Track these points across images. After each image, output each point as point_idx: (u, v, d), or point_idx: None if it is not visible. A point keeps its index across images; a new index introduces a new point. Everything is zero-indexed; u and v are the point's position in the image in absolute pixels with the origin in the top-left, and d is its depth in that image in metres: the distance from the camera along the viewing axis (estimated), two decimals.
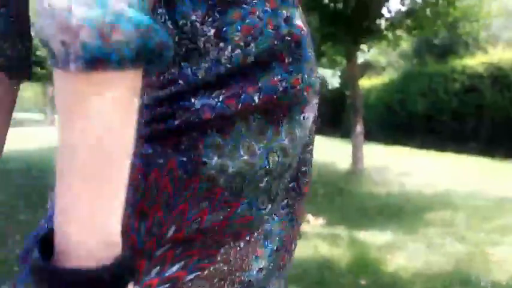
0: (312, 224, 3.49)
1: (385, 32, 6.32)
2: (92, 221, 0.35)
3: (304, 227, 3.47)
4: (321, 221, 3.58)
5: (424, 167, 7.88)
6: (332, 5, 5.94)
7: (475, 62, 11.06)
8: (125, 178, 0.36)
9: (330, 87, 15.12)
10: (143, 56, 0.34)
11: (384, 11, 6.23)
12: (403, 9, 6.32)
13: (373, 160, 7.96)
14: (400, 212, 4.20)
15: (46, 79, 23.28)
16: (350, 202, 4.72)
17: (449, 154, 10.25)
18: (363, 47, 6.97)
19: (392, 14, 6.32)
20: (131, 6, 0.34)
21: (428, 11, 5.83)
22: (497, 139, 9.95)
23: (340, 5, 5.93)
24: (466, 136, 10.94)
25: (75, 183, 0.34)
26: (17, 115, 43.60)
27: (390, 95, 13.97)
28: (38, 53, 20.36)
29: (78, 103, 0.33)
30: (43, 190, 4.71)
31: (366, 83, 15.95)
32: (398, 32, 6.42)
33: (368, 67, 16.05)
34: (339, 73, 13.39)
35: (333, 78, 14.38)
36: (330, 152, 10.54)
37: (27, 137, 12.64)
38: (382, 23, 6.25)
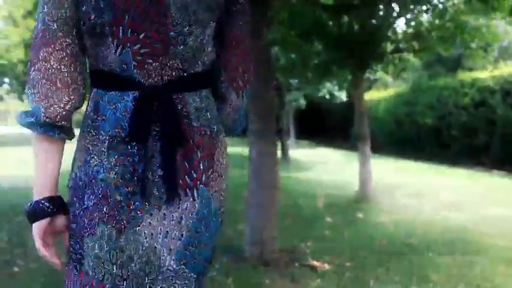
0: (318, 270, 3.37)
1: (391, 57, 6.19)
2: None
3: (309, 274, 3.35)
4: (326, 266, 3.46)
5: (435, 187, 7.72)
6: (336, 29, 5.82)
7: (485, 75, 10.86)
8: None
9: (338, 101, 14.97)
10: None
11: (389, 33, 6.09)
12: (409, 31, 6.18)
13: (382, 178, 7.79)
14: (410, 251, 4.06)
15: None
16: (357, 237, 4.59)
17: (460, 171, 10.04)
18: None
19: (398, 36, 6.18)
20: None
21: (435, 34, 5.68)
22: (510, 154, 9.74)
23: (344, 30, 5.81)
24: (477, 151, 10.74)
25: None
26: None
27: (398, 107, 13.80)
28: None
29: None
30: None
31: (374, 95, 15.78)
32: (405, 55, 6.29)
33: (374, 81, 15.89)
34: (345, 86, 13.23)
35: (340, 91, 14.23)
36: (339, 169, 10.42)
37: None
38: (388, 47, 6.12)
